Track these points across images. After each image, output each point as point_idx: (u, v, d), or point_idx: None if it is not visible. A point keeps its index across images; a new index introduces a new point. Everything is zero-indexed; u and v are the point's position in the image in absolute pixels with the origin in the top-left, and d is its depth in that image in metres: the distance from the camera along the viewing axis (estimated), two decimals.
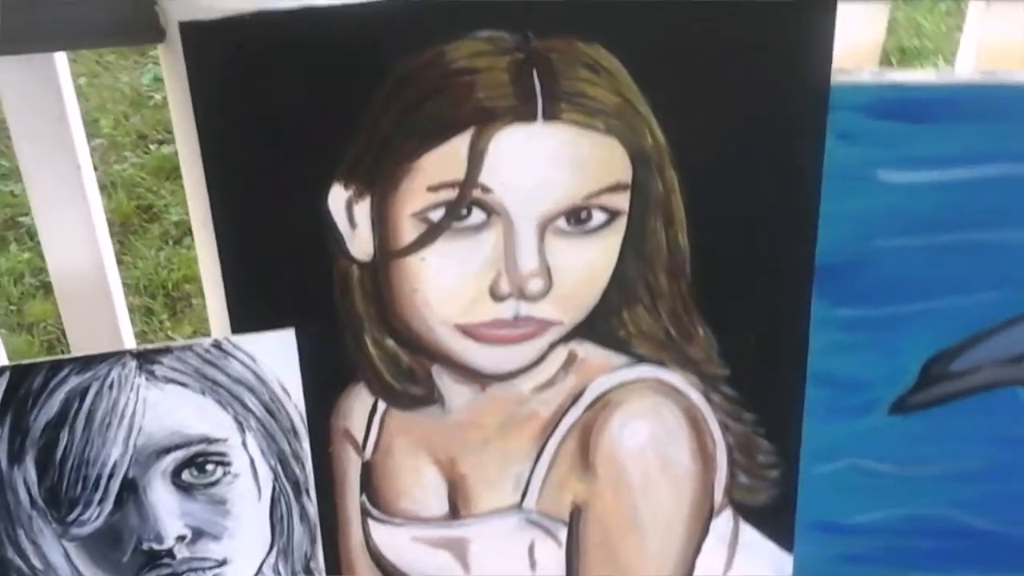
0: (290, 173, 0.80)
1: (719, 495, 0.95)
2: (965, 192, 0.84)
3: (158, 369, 0.83)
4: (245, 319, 0.84)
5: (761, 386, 0.91)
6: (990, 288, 0.89)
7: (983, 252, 0.87)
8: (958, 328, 0.90)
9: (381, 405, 0.89)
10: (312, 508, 0.90)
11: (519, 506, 0.93)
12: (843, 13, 0.79)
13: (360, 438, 0.90)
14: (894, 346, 0.91)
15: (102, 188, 1.10)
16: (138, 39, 0.78)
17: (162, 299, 2.11)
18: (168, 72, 0.78)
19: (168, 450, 0.85)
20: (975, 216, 0.86)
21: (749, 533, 0.97)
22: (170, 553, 0.87)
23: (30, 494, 0.84)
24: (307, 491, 0.90)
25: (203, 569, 0.89)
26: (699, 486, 0.94)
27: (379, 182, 0.80)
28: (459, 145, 0.79)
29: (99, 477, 0.84)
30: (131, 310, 1.33)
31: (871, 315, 0.90)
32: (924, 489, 0.97)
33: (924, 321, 0.90)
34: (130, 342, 0.94)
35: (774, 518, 0.97)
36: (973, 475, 0.97)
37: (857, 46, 0.86)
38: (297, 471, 0.89)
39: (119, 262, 1.18)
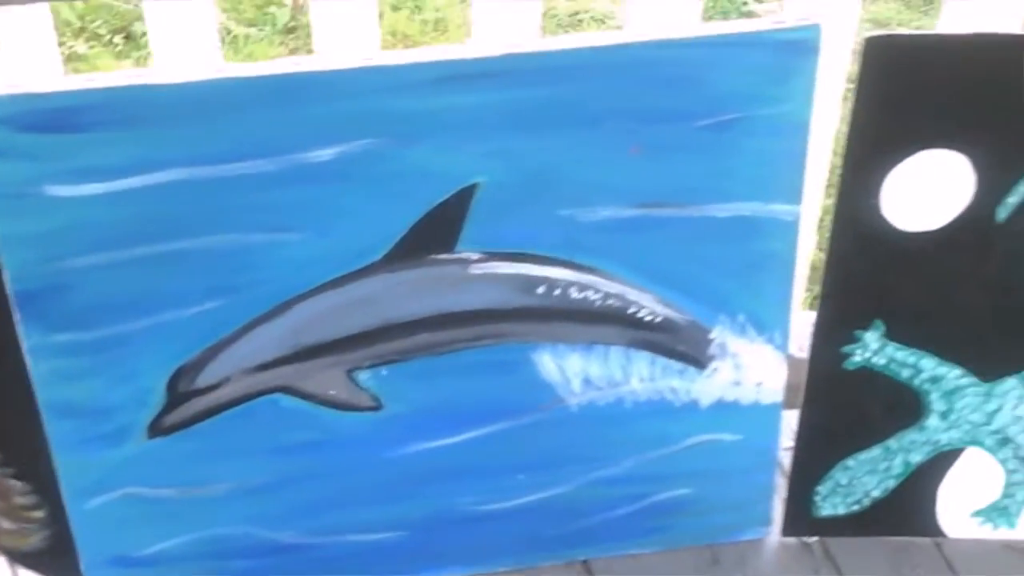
0: None
1: None
2: (146, 201, 0.81)
3: None
4: None
5: None
6: (209, 298, 0.85)
7: (188, 261, 0.84)
8: (191, 342, 0.87)
9: None
10: None
11: None
12: None
13: None
14: (128, 367, 0.87)
15: None
16: None
17: None
18: None
19: None
20: (165, 225, 0.82)
21: None
22: None
23: None
24: None
25: None
26: None
27: None
28: None
29: None
30: None
31: (91, 338, 0.85)
32: (216, 510, 0.94)
33: (151, 338, 0.86)
34: None
35: (54, 560, 0.92)
36: (262, 488, 0.94)
37: None
38: None
39: None
